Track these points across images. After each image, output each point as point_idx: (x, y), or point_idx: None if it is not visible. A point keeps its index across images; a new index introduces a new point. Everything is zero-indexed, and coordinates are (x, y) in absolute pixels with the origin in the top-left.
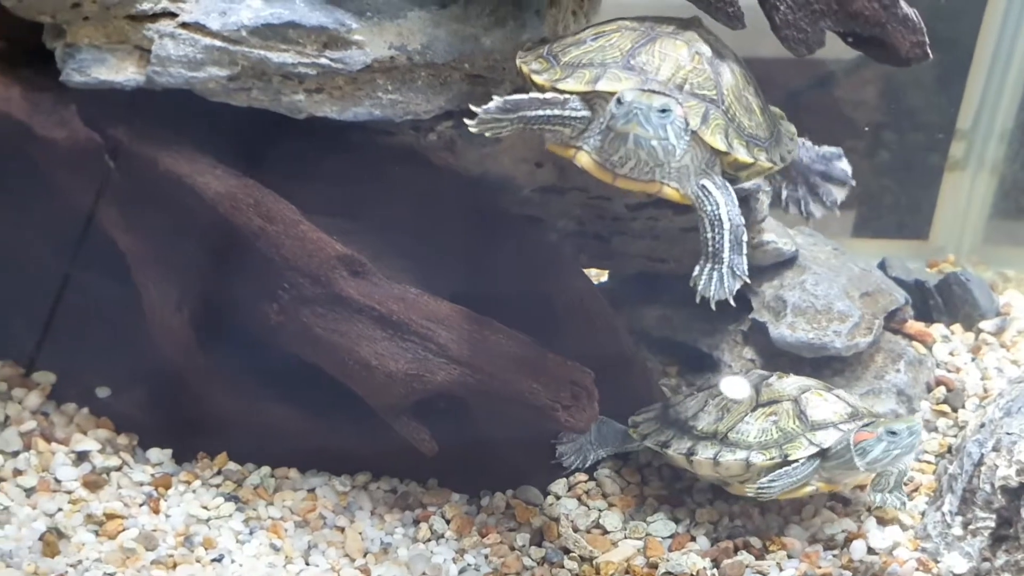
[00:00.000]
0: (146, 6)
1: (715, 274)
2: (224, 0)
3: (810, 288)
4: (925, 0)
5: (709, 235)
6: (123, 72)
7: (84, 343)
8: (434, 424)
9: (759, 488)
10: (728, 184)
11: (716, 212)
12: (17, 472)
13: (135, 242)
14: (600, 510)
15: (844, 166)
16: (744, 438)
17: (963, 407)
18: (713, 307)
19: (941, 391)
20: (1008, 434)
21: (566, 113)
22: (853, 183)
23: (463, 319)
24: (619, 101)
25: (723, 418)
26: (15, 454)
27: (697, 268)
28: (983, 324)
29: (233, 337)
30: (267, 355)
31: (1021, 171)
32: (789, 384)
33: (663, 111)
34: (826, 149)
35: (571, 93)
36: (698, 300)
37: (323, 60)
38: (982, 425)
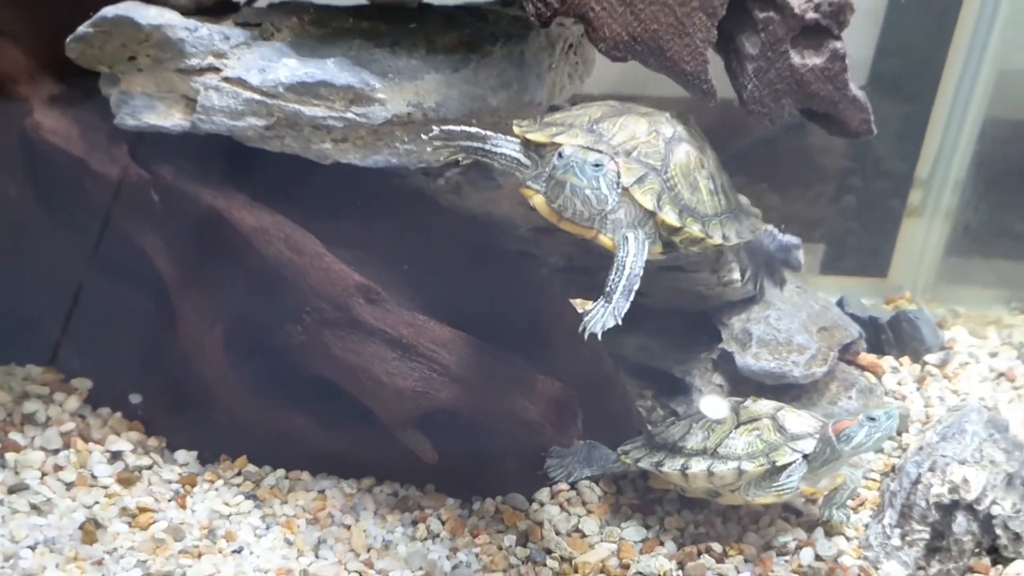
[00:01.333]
0: (194, 61)
1: (601, 311)
2: (263, 59)
3: (773, 322)
4: (891, 60)
5: (612, 277)
6: (170, 118)
7: (119, 354)
8: (434, 435)
9: (779, 488)
10: (646, 243)
11: (624, 260)
12: (58, 468)
13: (174, 267)
14: (579, 516)
15: (800, 256)
16: (733, 451)
17: (907, 431)
18: (585, 338)
19: None
20: (943, 456)
21: (487, 147)
22: (801, 270)
23: (464, 343)
24: (560, 154)
25: (710, 437)
26: (56, 452)
27: (592, 303)
28: (928, 357)
29: (259, 353)
30: (286, 370)
31: (972, 218)
32: (763, 405)
33: (596, 165)
34: (788, 239)
35: (536, 143)
36: (580, 328)
37: (349, 115)
38: (921, 448)
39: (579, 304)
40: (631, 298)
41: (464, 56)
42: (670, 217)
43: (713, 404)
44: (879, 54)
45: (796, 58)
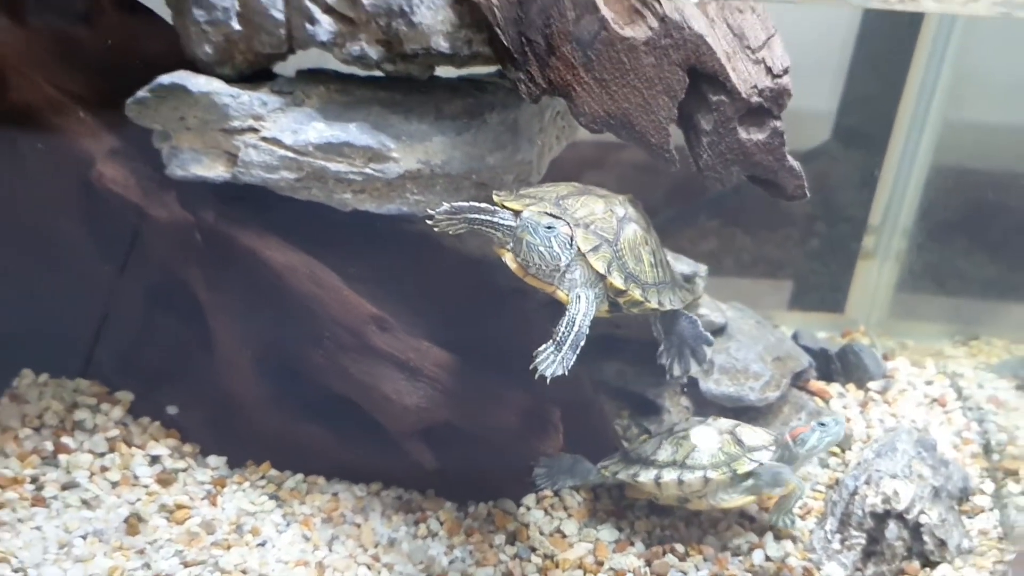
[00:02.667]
0: (236, 123)
1: (552, 357)
2: (295, 122)
3: (733, 352)
4: (852, 114)
5: (562, 328)
6: (214, 170)
7: (158, 370)
8: (434, 446)
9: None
10: (595, 302)
11: (575, 316)
12: (104, 469)
13: (212, 296)
14: (561, 519)
15: (708, 352)
16: (699, 462)
17: (850, 449)
18: (537, 378)
19: None
20: (877, 471)
21: (495, 219)
22: (706, 367)
23: (462, 366)
24: (521, 217)
25: (678, 451)
26: (102, 455)
27: (543, 346)
28: (871, 384)
29: (284, 373)
30: (307, 388)
31: (919, 260)
32: (724, 423)
33: (548, 227)
34: (705, 334)
35: (511, 210)
36: (532, 366)
37: (367, 170)
38: (859, 464)
39: None
40: (577, 351)
41: (466, 122)
42: (617, 281)
43: (704, 434)
44: (842, 109)
45: (743, 134)
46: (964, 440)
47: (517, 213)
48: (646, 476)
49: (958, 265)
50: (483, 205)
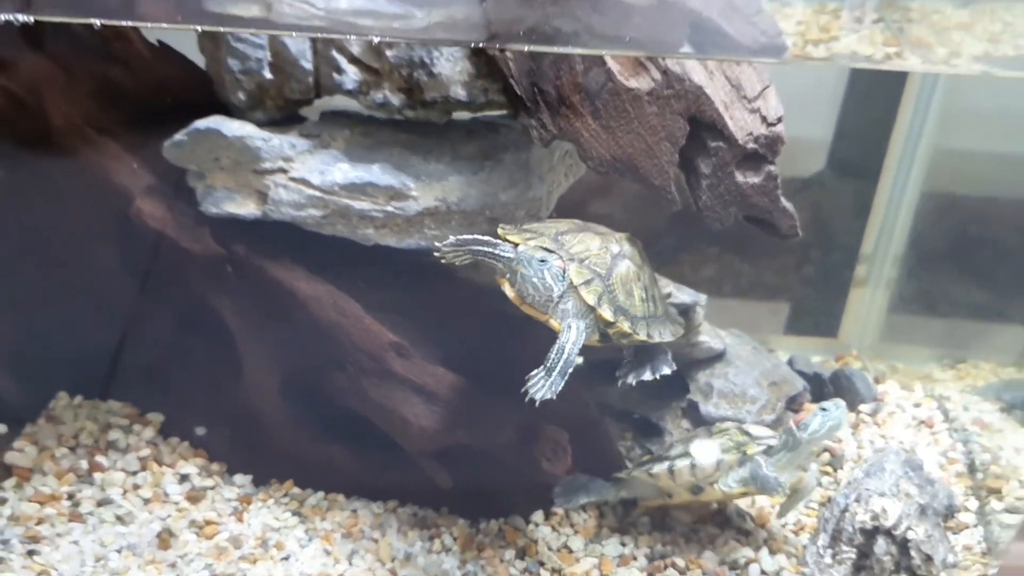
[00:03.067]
0: (267, 164)
1: (542, 382)
2: (322, 163)
3: (731, 377)
4: (845, 144)
5: (553, 355)
6: (245, 207)
7: (187, 393)
8: (449, 466)
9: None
10: (585, 332)
11: (565, 344)
12: (136, 486)
13: (242, 324)
14: (568, 535)
15: (666, 369)
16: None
17: (842, 468)
18: (527, 401)
19: (826, 456)
20: (866, 490)
21: (496, 252)
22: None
23: (475, 391)
24: (517, 251)
25: (688, 446)
26: (135, 473)
27: (534, 372)
28: (862, 407)
29: (308, 396)
30: (329, 410)
31: (909, 287)
32: (728, 424)
33: (542, 261)
34: (669, 359)
35: (512, 243)
36: (523, 390)
37: (389, 208)
38: (849, 483)
39: None
40: (566, 377)
41: (481, 162)
42: (606, 313)
43: (704, 448)
44: (836, 139)
45: (740, 177)
46: (950, 460)
47: (516, 246)
48: (659, 468)
49: (947, 291)
50: (486, 238)
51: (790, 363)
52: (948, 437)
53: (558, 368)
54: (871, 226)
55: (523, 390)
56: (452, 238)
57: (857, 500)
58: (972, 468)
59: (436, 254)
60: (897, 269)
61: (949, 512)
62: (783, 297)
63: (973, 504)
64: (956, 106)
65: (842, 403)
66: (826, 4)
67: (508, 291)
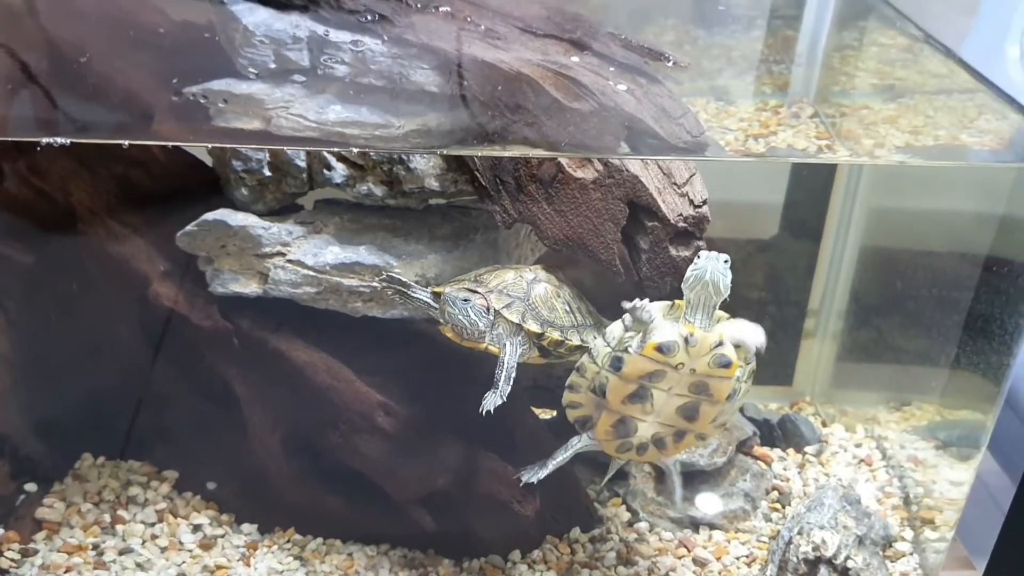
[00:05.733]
0: (267, 249)
1: (491, 395)
2: (315, 247)
3: None
4: (794, 208)
5: (497, 371)
6: (249, 286)
7: (199, 452)
8: (433, 511)
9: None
10: (520, 346)
11: (504, 359)
12: (154, 536)
13: (247, 389)
14: (542, 571)
15: None
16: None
17: (789, 505)
18: (483, 415)
19: (775, 494)
20: (808, 523)
21: (410, 293)
22: None
23: (455, 443)
24: (442, 294)
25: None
26: (153, 524)
27: (487, 394)
28: (807, 448)
29: (306, 452)
30: (326, 464)
31: (853, 338)
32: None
33: (464, 300)
34: None
35: (435, 293)
36: (480, 409)
37: (375, 283)
38: (793, 517)
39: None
40: (511, 383)
41: (455, 242)
42: (533, 326)
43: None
44: (786, 204)
45: (673, 251)
46: (887, 494)
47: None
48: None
49: (890, 339)
50: (410, 283)
51: (741, 410)
52: (885, 473)
53: (502, 379)
54: (816, 283)
55: (481, 410)
56: (386, 275)
57: (800, 533)
58: (907, 501)
59: (375, 282)
60: (842, 322)
61: (886, 542)
62: None
63: (909, 534)
64: (885, 169)
65: (716, 255)
66: (767, 101)
67: (448, 332)
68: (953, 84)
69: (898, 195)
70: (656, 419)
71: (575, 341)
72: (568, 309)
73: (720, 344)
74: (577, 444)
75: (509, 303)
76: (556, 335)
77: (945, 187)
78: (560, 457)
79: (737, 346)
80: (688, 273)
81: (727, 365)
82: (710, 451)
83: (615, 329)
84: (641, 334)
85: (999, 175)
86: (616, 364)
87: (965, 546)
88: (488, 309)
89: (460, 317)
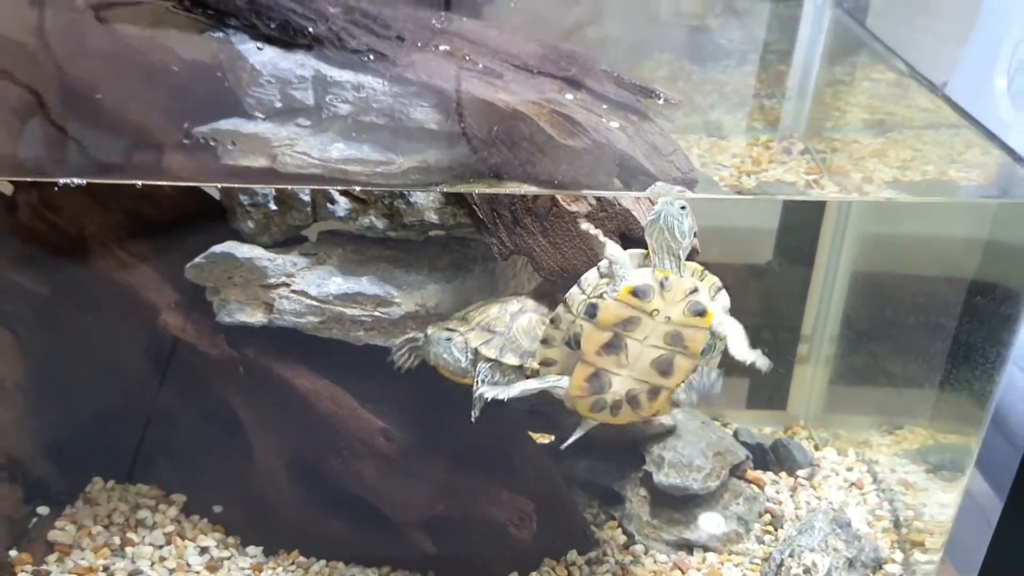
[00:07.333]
0: (272, 280)
1: (477, 402)
2: (319, 278)
3: (680, 450)
4: (788, 235)
5: (475, 391)
6: (254, 316)
7: (205, 476)
8: (432, 534)
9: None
10: (496, 373)
11: (478, 377)
12: (163, 558)
13: (252, 414)
14: None
15: None
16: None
17: (782, 527)
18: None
19: (768, 517)
20: (799, 546)
21: (415, 342)
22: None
23: (454, 468)
24: (427, 334)
25: None
26: (161, 547)
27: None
28: (799, 472)
29: (309, 477)
30: (329, 489)
31: (845, 363)
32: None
33: (447, 339)
34: None
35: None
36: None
37: (376, 313)
38: (784, 539)
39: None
40: (518, 396)
41: (454, 272)
42: (511, 360)
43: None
44: (780, 230)
45: None
46: (877, 517)
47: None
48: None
49: (881, 364)
50: (411, 335)
51: (735, 435)
52: (876, 496)
53: (478, 400)
54: (809, 308)
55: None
56: (394, 342)
57: (791, 555)
58: (897, 523)
59: (391, 361)
60: (834, 347)
61: (877, 564)
62: (741, 374)
63: (899, 556)
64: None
65: (671, 201)
66: (759, 137)
67: (441, 370)
68: (940, 119)
69: (888, 222)
70: (631, 373)
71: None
72: None
73: (694, 291)
74: (550, 382)
75: (488, 339)
76: (535, 365)
77: (934, 215)
78: (530, 386)
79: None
80: (647, 221)
81: (702, 313)
82: (703, 475)
83: (590, 276)
84: (616, 280)
85: (984, 206)
86: (591, 311)
87: (958, 568)
88: (467, 344)
89: (444, 355)
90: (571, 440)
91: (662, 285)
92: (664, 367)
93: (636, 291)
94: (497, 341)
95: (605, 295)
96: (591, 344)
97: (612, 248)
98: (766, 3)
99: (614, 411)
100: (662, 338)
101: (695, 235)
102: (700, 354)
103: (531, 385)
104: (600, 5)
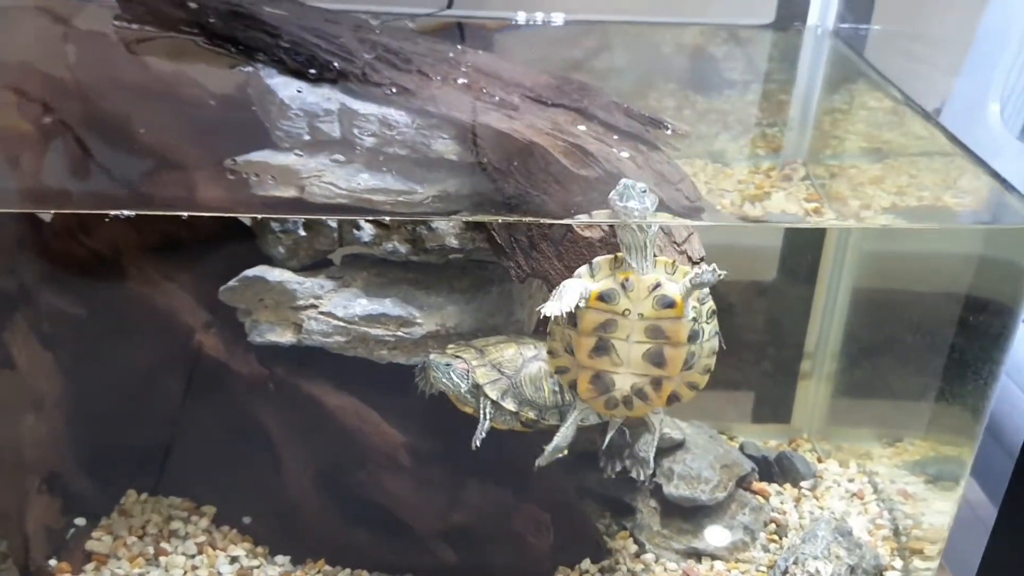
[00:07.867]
0: (301, 302)
1: (478, 432)
2: (345, 299)
3: (688, 463)
4: (792, 253)
5: (479, 424)
6: (284, 336)
7: (235, 488)
8: (452, 544)
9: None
10: (492, 412)
11: (480, 421)
12: (195, 567)
13: (282, 430)
14: None
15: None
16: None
17: (786, 536)
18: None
19: (773, 526)
20: (803, 554)
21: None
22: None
23: (472, 480)
24: (429, 359)
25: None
26: (193, 556)
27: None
28: (803, 483)
29: (336, 489)
30: (354, 500)
31: (847, 378)
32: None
33: (447, 365)
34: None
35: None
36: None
37: (399, 333)
38: (788, 548)
39: None
40: (483, 435)
41: (473, 294)
42: (509, 405)
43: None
44: (784, 248)
45: None
46: (877, 526)
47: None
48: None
49: (883, 378)
50: (424, 360)
51: (742, 448)
52: (876, 506)
53: (479, 431)
54: (812, 325)
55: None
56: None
57: (795, 563)
58: (897, 532)
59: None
60: (836, 363)
61: (877, 571)
62: (747, 390)
63: (899, 563)
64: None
65: (632, 182)
66: (761, 164)
67: (447, 393)
68: (934, 147)
69: (887, 242)
70: (628, 369)
71: (552, 422)
72: (556, 390)
73: (658, 286)
74: (575, 414)
75: (495, 380)
76: (532, 415)
77: (931, 236)
78: (565, 434)
79: (697, 287)
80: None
81: (670, 305)
82: (711, 487)
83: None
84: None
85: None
86: (572, 321)
87: (956, 573)
88: (467, 373)
89: (444, 380)
90: (606, 441)
91: (623, 286)
92: (656, 359)
93: (602, 295)
94: (502, 384)
95: (579, 304)
96: (582, 350)
97: (567, 281)
98: (767, 33)
99: (627, 405)
100: (643, 333)
101: (703, 259)
102: (688, 341)
103: (569, 432)
104: (607, 37)
